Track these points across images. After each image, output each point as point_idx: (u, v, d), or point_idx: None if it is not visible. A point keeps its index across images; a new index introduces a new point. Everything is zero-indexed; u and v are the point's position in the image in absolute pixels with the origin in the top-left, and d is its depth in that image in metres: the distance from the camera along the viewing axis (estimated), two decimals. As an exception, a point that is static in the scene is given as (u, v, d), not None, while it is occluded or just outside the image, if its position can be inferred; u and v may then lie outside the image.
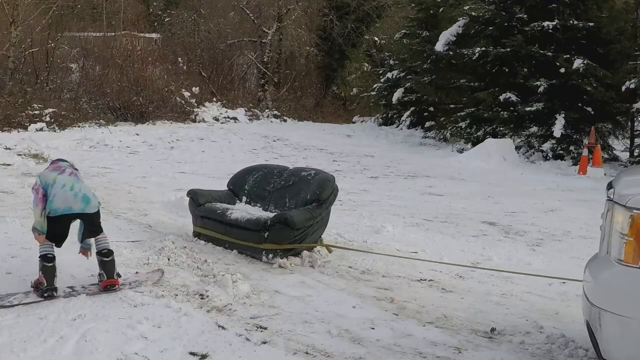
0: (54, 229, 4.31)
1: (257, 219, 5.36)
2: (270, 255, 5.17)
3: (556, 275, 5.04)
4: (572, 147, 12.85)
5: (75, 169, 4.60)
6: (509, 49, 13.31)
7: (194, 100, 19.55)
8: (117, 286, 4.35)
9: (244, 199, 6.10)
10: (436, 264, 5.27)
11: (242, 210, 5.67)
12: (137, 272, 4.77)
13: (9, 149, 11.80)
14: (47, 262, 4.25)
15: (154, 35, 27.76)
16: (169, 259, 5.12)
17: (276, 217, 5.26)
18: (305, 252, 5.29)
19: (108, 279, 4.34)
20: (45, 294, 4.13)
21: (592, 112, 12.83)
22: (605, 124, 13.25)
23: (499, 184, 10.27)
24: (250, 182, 6.13)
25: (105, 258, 4.40)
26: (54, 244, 4.34)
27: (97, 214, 4.45)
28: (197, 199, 5.89)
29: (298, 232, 5.20)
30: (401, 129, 18.45)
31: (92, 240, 4.52)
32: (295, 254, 5.27)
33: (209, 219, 5.66)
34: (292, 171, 6.11)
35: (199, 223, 5.80)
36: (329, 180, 5.67)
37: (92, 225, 4.43)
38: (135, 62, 20.01)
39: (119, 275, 4.43)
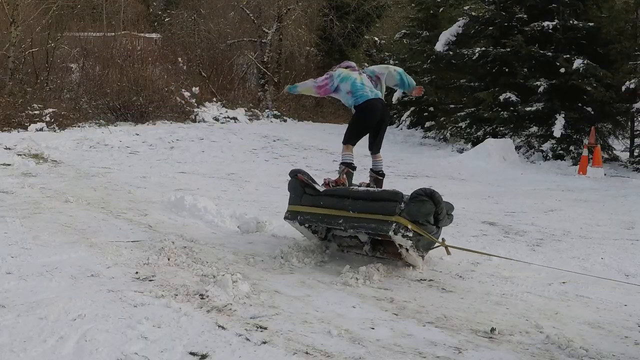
0: (364, 119, 5.55)
1: (394, 190, 5.14)
2: (402, 231, 4.78)
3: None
4: (572, 147, 12.85)
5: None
6: (509, 49, 13.31)
7: (194, 100, 19.58)
8: None
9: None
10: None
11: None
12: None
13: (9, 149, 11.80)
14: (352, 169, 5.64)
15: (154, 35, 27.83)
16: (169, 259, 5.12)
17: (421, 189, 5.01)
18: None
19: None
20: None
21: (592, 112, 12.83)
22: (605, 124, 13.26)
23: (499, 184, 10.27)
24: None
25: (380, 177, 5.84)
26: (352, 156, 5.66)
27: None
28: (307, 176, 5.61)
29: (435, 214, 4.97)
30: (401, 129, 18.47)
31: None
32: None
33: (326, 195, 5.25)
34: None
35: (305, 201, 5.33)
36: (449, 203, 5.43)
37: (382, 132, 5.72)
38: (135, 62, 20.05)
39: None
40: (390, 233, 4.80)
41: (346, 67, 5.78)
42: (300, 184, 5.54)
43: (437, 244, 5.18)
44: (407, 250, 4.94)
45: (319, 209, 5.20)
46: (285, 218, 5.44)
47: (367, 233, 5.10)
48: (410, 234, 4.84)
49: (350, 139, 5.67)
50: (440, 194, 5.09)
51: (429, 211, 4.96)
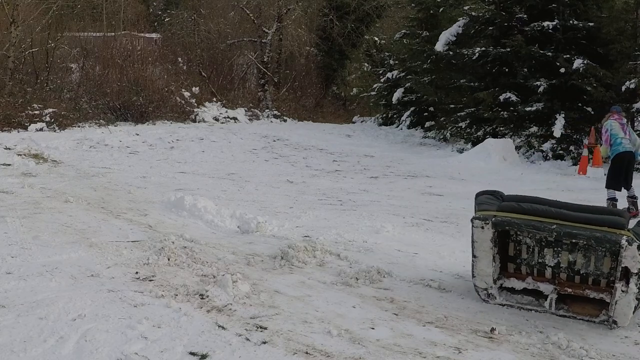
0: (620, 167, 7.74)
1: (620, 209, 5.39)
2: (636, 244, 4.01)
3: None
4: (572, 147, 12.85)
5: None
6: (509, 49, 13.31)
7: (194, 100, 19.58)
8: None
9: None
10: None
11: None
12: None
13: (9, 149, 11.80)
14: (616, 202, 7.67)
15: (154, 35, 27.82)
16: (169, 259, 5.12)
17: None
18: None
19: (637, 211, 7.59)
20: None
21: (592, 112, 12.83)
22: (605, 124, 13.25)
23: (499, 184, 10.25)
24: None
25: (635, 199, 7.70)
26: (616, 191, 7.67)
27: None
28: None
29: None
30: (401, 129, 18.46)
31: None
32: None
33: (534, 202, 4.56)
34: None
35: (504, 207, 4.57)
36: None
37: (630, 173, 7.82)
38: (135, 62, 20.06)
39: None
40: (623, 242, 4.01)
41: (615, 119, 7.93)
42: (495, 194, 4.91)
43: None
44: (625, 289, 4.05)
45: (531, 217, 4.41)
46: (474, 219, 4.50)
47: (587, 244, 4.27)
48: None
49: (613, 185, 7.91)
50: None
51: None
